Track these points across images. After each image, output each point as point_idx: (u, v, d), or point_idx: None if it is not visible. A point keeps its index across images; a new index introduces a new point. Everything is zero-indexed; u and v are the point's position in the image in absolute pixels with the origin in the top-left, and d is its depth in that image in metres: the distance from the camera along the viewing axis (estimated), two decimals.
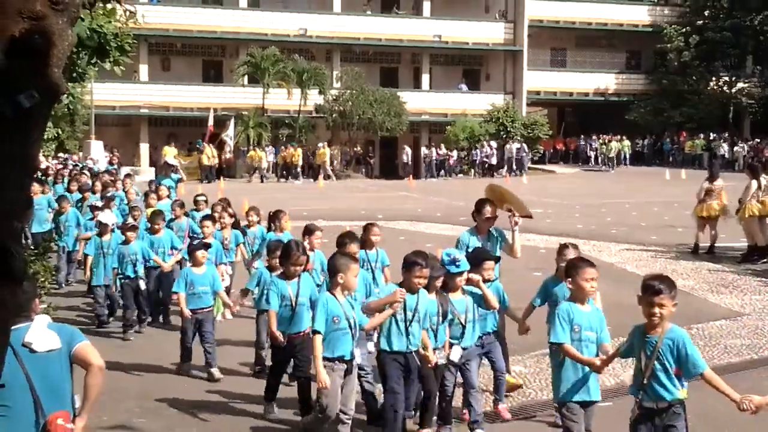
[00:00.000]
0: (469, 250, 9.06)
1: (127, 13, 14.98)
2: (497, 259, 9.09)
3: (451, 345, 8.04)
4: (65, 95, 22.05)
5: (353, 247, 9.10)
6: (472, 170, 50.50)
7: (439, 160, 50.85)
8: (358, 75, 50.19)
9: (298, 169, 47.80)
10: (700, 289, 15.14)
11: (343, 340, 7.49)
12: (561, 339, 6.73)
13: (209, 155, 46.04)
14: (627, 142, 53.06)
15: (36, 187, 17.90)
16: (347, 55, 54.53)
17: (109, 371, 5.66)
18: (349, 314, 7.50)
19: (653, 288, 6.06)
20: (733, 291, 15.00)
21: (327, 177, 46.56)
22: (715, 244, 18.87)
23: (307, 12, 52.80)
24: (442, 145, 50.86)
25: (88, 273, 13.50)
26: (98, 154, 41.74)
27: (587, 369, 6.74)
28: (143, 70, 51.17)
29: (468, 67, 58.67)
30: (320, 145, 48.26)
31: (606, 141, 53.29)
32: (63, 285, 16.20)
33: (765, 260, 17.64)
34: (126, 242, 12.98)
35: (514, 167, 49.61)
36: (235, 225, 13.98)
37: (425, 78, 56.17)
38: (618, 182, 42.86)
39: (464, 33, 55.12)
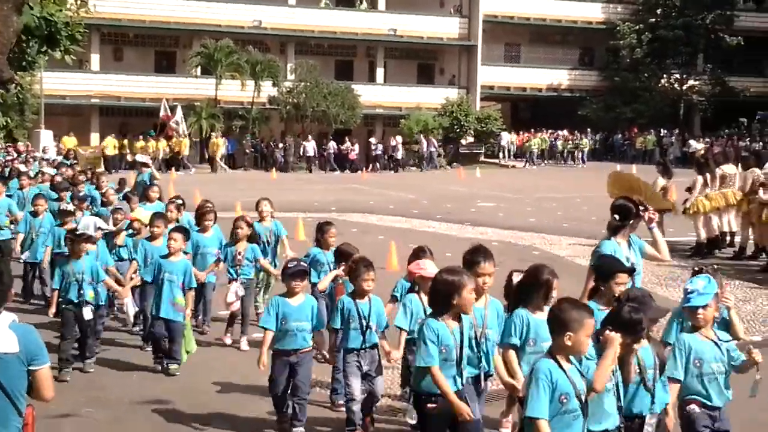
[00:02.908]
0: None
1: (78, 1, 14.83)
2: (632, 271, 7.26)
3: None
4: (13, 84, 21.63)
5: (487, 267, 7.12)
6: (375, 164, 49.92)
7: (341, 154, 49.88)
8: (313, 67, 50.05)
9: (185, 159, 46.67)
10: (650, 283, 15.26)
11: (574, 425, 5.25)
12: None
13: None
14: (585, 141, 53.18)
15: None
16: (302, 47, 54.36)
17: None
18: (579, 388, 5.24)
19: None
20: (681, 285, 15.05)
21: (216, 169, 46.19)
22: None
23: (262, 4, 52.49)
24: (346, 139, 50.15)
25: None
26: (48, 144, 41.19)
27: None
28: (95, 59, 50.59)
29: (423, 61, 58.80)
30: (213, 134, 47.43)
31: (527, 138, 53.40)
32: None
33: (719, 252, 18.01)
34: (72, 256, 10.30)
35: (426, 163, 49.72)
36: (252, 238, 11.62)
37: (380, 72, 56.17)
38: (569, 177, 43.20)
39: (419, 27, 55.19)
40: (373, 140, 50.60)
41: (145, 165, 19.38)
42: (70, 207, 13.36)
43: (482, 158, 52.02)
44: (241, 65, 48.07)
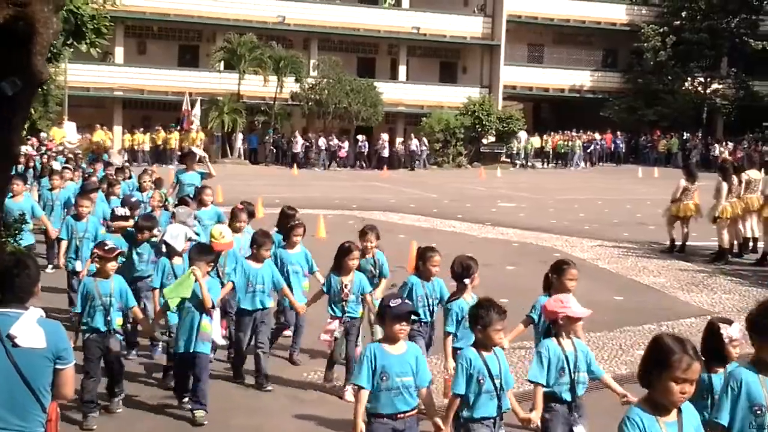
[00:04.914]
0: None
1: None
2: None
3: None
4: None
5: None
6: (360, 162, 50.09)
7: (331, 150, 49.66)
8: (335, 64, 50.06)
9: (177, 153, 45.73)
10: (671, 287, 15.25)
11: None
12: None
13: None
14: (579, 142, 52.68)
15: (18, 185, 13.53)
16: (325, 43, 54.37)
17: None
18: None
19: None
20: (703, 290, 15.11)
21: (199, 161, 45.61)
22: (687, 243, 19.01)
23: None
24: (333, 136, 50.10)
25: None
26: (71, 136, 41.27)
27: None
28: (119, 52, 50.76)
29: (445, 59, 58.69)
30: (191, 128, 46.39)
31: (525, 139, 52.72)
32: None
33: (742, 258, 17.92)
34: (99, 274, 8.70)
35: (417, 161, 49.75)
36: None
37: (402, 69, 56.13)
38: (591, 179, 43.08)
39: (442, 26, 55.12)
40: (360, 137, 50.39)
41: (199, 161, 16.71)
42: (125, 211, 11.61)
43: (503, 158, 51.87)
44: (264, 60, 48.09)
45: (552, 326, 6.53)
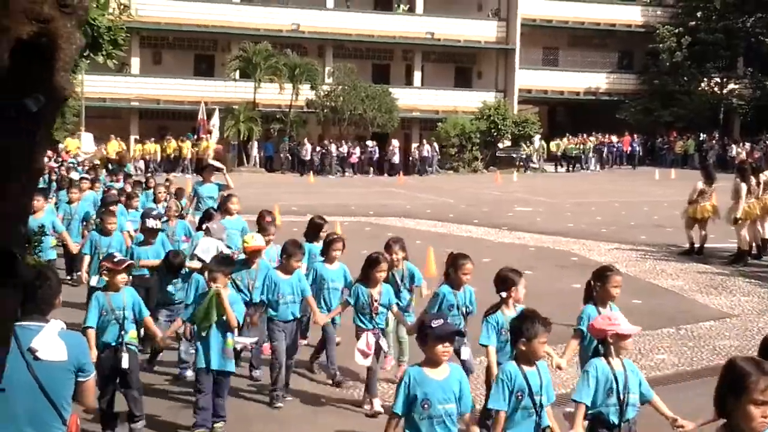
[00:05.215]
0: None
1: (121, 6, 14.95)
2: None
3: None
4: None
5: None
6: (373, 169, 50.29)
7: (341, 156, 49.72)
8: (350, 71, 50.17)
9: (186, 162, 47.14)
10: (690, 290, 15.19)
11: None
12: None
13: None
14: (590, 144, 52.72)
15: (38, 201, 12.91)
16: (340, 51, 54.47)
17: None
18: None
19: None
20: (722, 292, 15.04)
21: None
22: (705, 245, 18.93)
23: (300, 7, 52.72)
24: (343, 142, 50.04)
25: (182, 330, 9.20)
26: (87, 146, 41.51)
27: None
28: (135, 63, 51.05)
29: (460, 64, 58.68)
30: (204, 137, 45.87)
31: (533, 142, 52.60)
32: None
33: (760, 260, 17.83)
34: (110, 287, 8.31)
35: (429, 167, 49.82)
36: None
37: (417, 75, 56.18)
38: (607, 181, 42.96)
39: (457, 31, 55.15)
40: (369, 143, 50.43)
41: (218, 169, 16.55)
42: (156, 223, 11.49)
43: (519, 162, 51.80)
44: (279, 68, 48.29)
45: (600, 345, 6.21)
